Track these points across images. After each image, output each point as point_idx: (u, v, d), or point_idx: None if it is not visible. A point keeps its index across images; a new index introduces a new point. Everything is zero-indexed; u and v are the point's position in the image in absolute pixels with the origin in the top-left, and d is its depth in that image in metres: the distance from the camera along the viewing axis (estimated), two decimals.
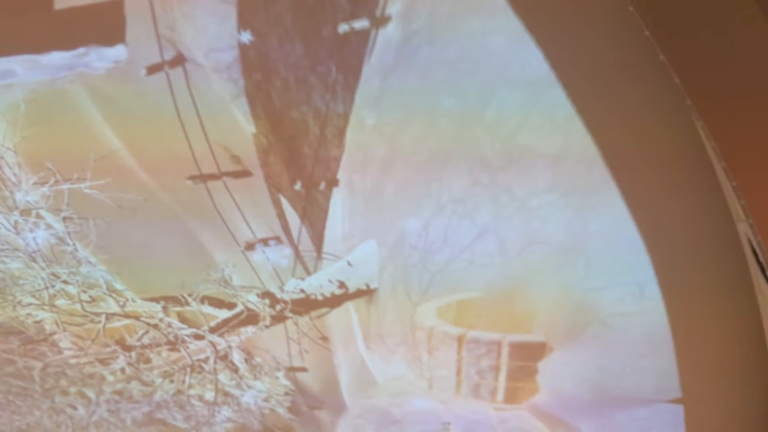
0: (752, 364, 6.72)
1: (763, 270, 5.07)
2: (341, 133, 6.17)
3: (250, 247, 7.14)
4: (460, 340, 7.78)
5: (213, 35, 5.82)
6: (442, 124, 5.84)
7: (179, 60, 5.99)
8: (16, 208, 6.80)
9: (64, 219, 6.87)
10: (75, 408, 8.65)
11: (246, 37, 5.65)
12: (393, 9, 5.50)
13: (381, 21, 5.57)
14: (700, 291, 6.34)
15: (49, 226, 6.90)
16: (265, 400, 8.57)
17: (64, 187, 6.62)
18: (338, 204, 6.71)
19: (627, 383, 7.47)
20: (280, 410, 8.69)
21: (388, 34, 5.58)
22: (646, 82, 4.99)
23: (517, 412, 8.32)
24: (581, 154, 5.76)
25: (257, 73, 5.95)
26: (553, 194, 6.07)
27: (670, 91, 4.59)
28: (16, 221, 6.89)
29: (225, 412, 8.60)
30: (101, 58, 5.97)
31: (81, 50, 6.01)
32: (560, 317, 7.10)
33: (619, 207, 6.02)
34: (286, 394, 8.51)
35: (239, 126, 6.27)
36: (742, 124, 3.75)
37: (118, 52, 5.97)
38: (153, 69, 6.02)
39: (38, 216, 6.86)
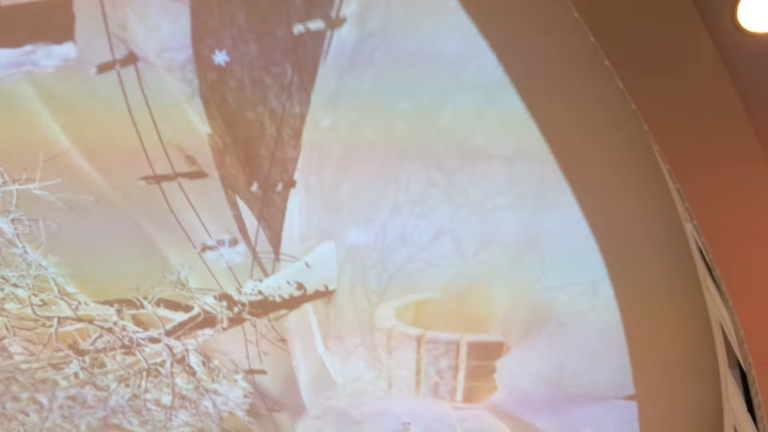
0: (702, 359, 6.89)
1: (709, 269, 5.20)
2: (297, 134, 6.13)
3: (206, 248, 7.05)
4: (419, 340, 7.81)
5: (165, 34, 5.73)
6: (398, 125, 5.86)
7: (131, 59, 5.88)
8: None
9: (13, 221, 6.69)
10: (27, 414, 8.44)
11: (221, 57, 5.58)
12: (348, 10, 5.48)
13: (336, 22, 5.56)
14: (652, 289, 6.47)
15: None
16: (224, 403, 8.49)
17: (13, 188, 6.45)
18: (295, 205, 6.67)
19: (582, 380, 7.60)
20: (239, 413, 8.60)
21: (343, 35, 5.57)
22: (595, 86, 5.08)
23: (476, 411, 8.40)
24: (535, 156, 5.83)
25: (212, 73, 5.88)
26: (508, 195, 6.14)
27: (619, 95, 4.67)
28: None
29: (182, 416, 8.48)
30: (49, 55, 5.82)
31: (28, 48, 5.86)
32: (517, 316, 7.18)
33: (572, 208, 6.11)
34: (245, 396, 8.44)
35: (194, 126, 6.19)
36: (685, 128, 3.84)
37: (66, 50, 5.82)
38: (104, 68, 5.89)
39: None
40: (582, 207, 6.07)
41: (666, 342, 6.78)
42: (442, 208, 6.38)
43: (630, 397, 7.44)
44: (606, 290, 6.58)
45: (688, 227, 5.38)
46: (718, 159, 4.18)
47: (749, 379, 5.86)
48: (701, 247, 4.97)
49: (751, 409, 6.17)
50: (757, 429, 5.86)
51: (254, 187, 6.58)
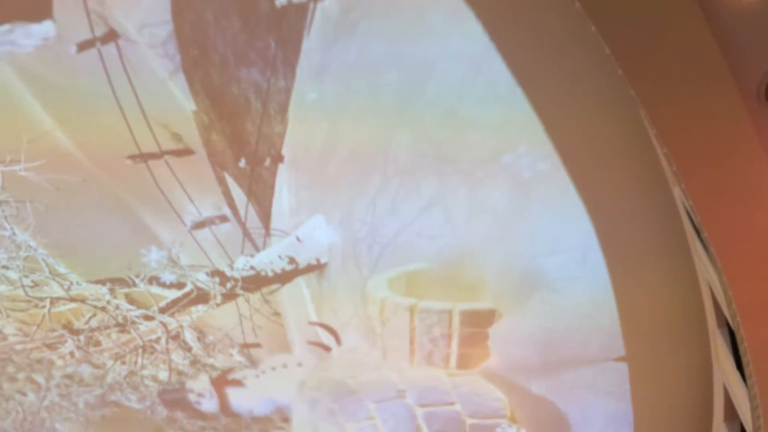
0: (691, 320, 6.99)
1: (697, 232, 5.24)
2: (284, 108, 6.08)
3: (196, 226, 7.04)
4: (411, 310, 7.87)
5: (146, 10, 5.62)
6: (385, 97, 5.81)
7: (111, 36, 5.77)
8: None
9: (0, 203, 6.64)
10: (24, 394, 8.49)
11: None
12: None
13: None
14: (641, 254, 6.53)
15: None
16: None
17: None
18: (284, 180, 6.65)
19: (573, 344, 7.71)
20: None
21: (326, 7, 5.48)
22: (583, 52, 5.05)
23: (470, 377, 8.52)
24: (523, 125, 5.82)
25: (194, 48, 5.79)
26: (497, 164, 6.14)
27: (606, 61, 4.65)
28: None
29: None
30: (28, 35, 5.70)
31: (6, 27, 5.73)
32: (508, 284, 7.25)
33: (561, 175, 6.12)
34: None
35: (178, 103, 6.12)
36: (671, 92, 3.82)
37: (45, 28, 5.71)
38: (84, 46, 5.79)
39: None
40: (570, 174, 6.08)
41: (655, 304, 6.86)
42: (431, 179, 6.37)
43: (621, 359, 7.55)
44: (596, 256, 6.63)
45: (676, 191, 5.41)
46: (705, 122, 4.18)
47: (738, 337, 5.96)
48: (689, 211, 5.00)
49: (740, 366, 6.29)
50: (746, 386, 5.98)
51: (242, 163, 6.54)
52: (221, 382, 8.07)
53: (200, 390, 8.10)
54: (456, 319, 7.66)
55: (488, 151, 6.03)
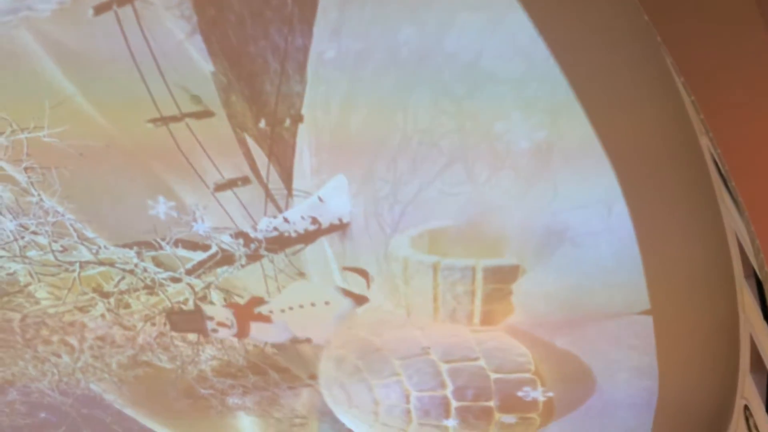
0: (717, 271, 6.93)
1: (725, 181, 5.15)
2: (302, 67, 6.02)
3: (219, 188, 7.08)
4: (434, 268, 7.90)
5: None
6: (403, 53, 5.72)
7: None
8: None
9: (26, 169, 6.73)
10: (59, 356, 8.75)
11: None
12: None
13: None
14: (667, 205, 6.45)
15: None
16: None
17: (22, 136, 6.45)
18: (304, 140, 6.63)
19: (598, 299, 7.70)
20: (264, 345, 8.86)
21: None
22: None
23: (494, 333, 8.58)
24: (545, 77, 5.71)
25: (210, 8, 5.74)
26: (518, 118, 6.05)
27: (632, 7, 4.52)
28: None
29: (209, 350, 8.75)
30: None
31: None
32: (531, 239, 7.22)
33: (584, 128, 6.02)
34: None
35: (196, 65, 6.09)
36: (699, 39, 3.71)
37: None
38: (101, 9, 5.76)
39: None
40: (594, 125, 5.98)
41: (681, 256, 6.80)
42: (452, 135, 6.31)
43: (646, 312, 7.54)
44: (620, 209, 6.56)
45: (703, 140, 5.30)
46: (734, 69, 4.07)
47: (765, 288, 5.91)
48: (716, 160, 4.91)
49: (767, 317, 6.25)
50: None
51: (262, 124, 6.53)
52: (247, 315, 8.07)
53: (222, 319, 8.14)
54: (479, 276, 7.67)
55: (509, 105, 5.94)
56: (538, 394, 8.79)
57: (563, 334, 8.20)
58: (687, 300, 7.33)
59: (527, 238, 7.15)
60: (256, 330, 8.23)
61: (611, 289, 7.45)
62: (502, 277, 7.64)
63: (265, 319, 8.05)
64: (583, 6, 5.21)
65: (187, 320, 8.17)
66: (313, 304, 7.87)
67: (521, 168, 6.41)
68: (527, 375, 8.76)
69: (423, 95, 5.98)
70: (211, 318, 8.09)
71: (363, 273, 7.51)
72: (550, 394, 8.77)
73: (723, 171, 5.00)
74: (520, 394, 8.82)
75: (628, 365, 8.24)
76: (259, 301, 7.96)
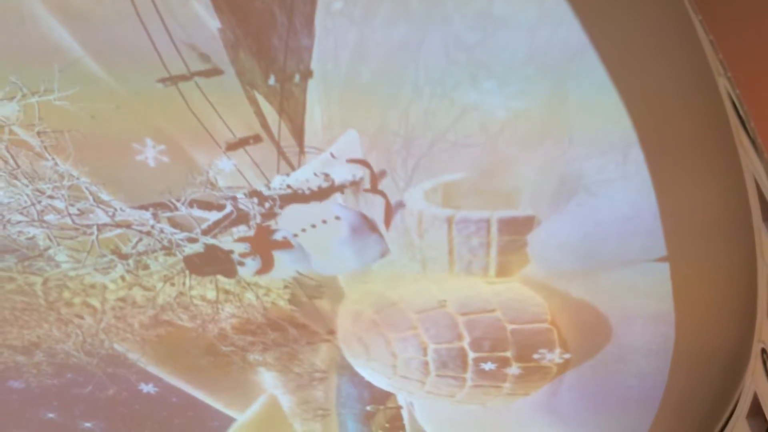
0: (735, 216, 6.87)
1: (743, 123, 5.06)
2: (310, 20, 5.93)
3: (230, 147, 7.06)
4: (449, 221, 7.90)
5: None
6: (413, 3, 5.61)
7: None
8: None
9: (39, 133, 6.74)
10: (82, 317, 8.90)
11: None
12: None
13: None
14: (683, 150, 6.36)
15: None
16: (266, 294, 8.82)
17: (33, 100, 6.44)
18: (315, 95, 6.57)
19: (613, 247, 7.68)
20: (282, 303, 8.96)
21: None
22: None
23: (510, 285, 8.61)
24: (558, 22, 5.58)
25: None
26: (532, 66, 5.94)
27: None
28: None
29: (228, 308, 8.87)
30: None
31: None
32: (546, 189, 7.17)
33: (599, 73, 5.91)
34: (285, 287, 8.74)
35: (203, 22, 6.01)
36: None
37: None
38: None
39: (12, 133, 6.73)
40: (609, 71, 5.87)
41: (698, 202, 6.74)
42: (464, 86, 6.22)
43: (662, 259, 7.52)
44: (636, 156, 6.49)
45: (721, 81, 5.19)
46: (754, 8, 3.95)
47: None
48: (735, 101, 4.82)
49: None
50: None
51: (272, 81, 6.47)
52: (265, 244, 7.94)
53: (242, 250, 8.02)
54: (494, 228, 7.66)
55: (522, 52, 5.83)
56: (555, 356, 8.86)
57: (579, 284, 8.22)
58: (704, 246, 7.29)
59: (541, 188, 7.11)
60: (279, 260, 8.11)
61: (627, 236, 7.42)
62: (517, 229, 7.63)
63: (286, 245, 7.89)
64: None
65: (208, 261, 8.07)
66: (324, 221, 7.65)
67: (535, 117, 6.33)
68: (544, 325, 8.82)
69: (433, 45, 5.87)
70: (231, 251, 7.97)
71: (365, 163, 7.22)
72: (567, 356, 8.83)
73: (741, 112, 4.91)
74: (535, 356, 8.90)
75: (644, 312, 8.26)
76: (267, 230, 7.79)
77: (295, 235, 7.80)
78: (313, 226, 7.68)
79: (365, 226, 7.66)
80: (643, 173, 6.58)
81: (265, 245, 7.85)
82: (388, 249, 7.92)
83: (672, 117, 6.10)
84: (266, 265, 8.08)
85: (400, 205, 7.36)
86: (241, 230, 7.86)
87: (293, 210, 7.55)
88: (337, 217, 7.59)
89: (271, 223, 7.69)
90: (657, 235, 7.26)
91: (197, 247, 7.98)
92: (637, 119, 6.20)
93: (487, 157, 6.81)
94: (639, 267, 7.72)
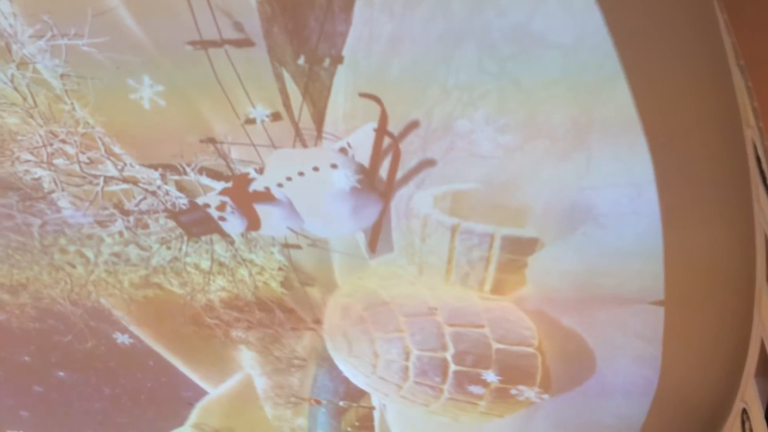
0: (738, 271, 6.83)
1: (764, 177, 5.03)
2: (349, 6, 5.91)
3: (249, 121, 7.04)
4: (453, 229, 7.86)
5: None
6: (454, 4, 5.59)
7: None
8: (13, 60, 6.63)
9: (62, 76, 6.73)
10: (74, 266, 8.88)
11: None
12: None
13: None
14: (699, 196, 6.32)
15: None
16: (259, 273, 8.79)
17: (62, 42, 6.42)
18: (341, 82, 6.55)
19: (612, 282, 7.64)
20: (273, 284, 8.93)
21: None
22: None
23: (503, 303, 8.57)
24: (595, 47, 5.56)
25: None
26: (562, 87, 5.92)
27: None
28: (12, 74, 6.74)
29: (219, 281, 8.84)
30: None
31: None
32: (555, 213, 7.13)
33: (627, 107, 5.88)
34: (280, 269, 8.71)
35: None
36: (763, 19, 3.57)
37: None
38: None
39: (35, 71, 6.71)
40: (638, 107, 5.84)
41: (704, 250, 6.70)
42: (491, 96, 6.19)
43: (658, 303, 7.47)
44: (650, 194, 6.45)
45: (749, 132, 5.16)
46: None
47: None
48: (759, 154, 4.79)
49: None
50: None
51: (301, 61, 6.44)
52: (244, 197, 7.10)
53: (217, 203, 7.29)
54: (497, 244, 7.63)
55: (555, 72, 5.80)
56: (533, 394, 8.81)
57: (571, 313, 8.18)
58: (702, 295, 7.25)
59: (551, 212, 7.07)
60: (265, 216, 7.32)
61: (628, 274, 7.37)
62: (520, 249, 7.59)
63: (267, 197, 7.07)
64: None
65: (196, 221, 7.55)
66: (316, 169, 6.84)
67: (557, 138, 6.30)
68: (530, 350, 8.77)
69: (468, 51, 5.85)
70: (207, 205, 7.26)
71: (376, 99, 6.34)
72: (545, 396, 8.77)
73: (764, 167, 4.88)
74: (513, 392, 8.85)
75: (631, 353, 8.21)
76: (245, 179, 7.07)
77: (279, 185, 7.03)
78: (300, 174, 6.84)
79: (364, 180, 6.85)
80: (655, 213, 6.54)
81: (244, 198, 7.10)
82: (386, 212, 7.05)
83: (693, 160, 6.07)
84: (251, 222, 7.26)
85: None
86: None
87: (279, 155, 6.83)
88: (334, 165, 6.74)
89: (249, 172, 7.05)
90: (657, 277, 7.22)
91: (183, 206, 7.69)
92: (657, 158, 6.16)
93: (502, 172, 6.78)
94: (634, 307, 7.68)
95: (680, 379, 8.24)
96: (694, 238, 6.61)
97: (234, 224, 7.53)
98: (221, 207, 7.18)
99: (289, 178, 6.96)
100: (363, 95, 6.32)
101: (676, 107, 5.66)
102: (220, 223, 7.43)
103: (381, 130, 6.52)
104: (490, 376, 8.75)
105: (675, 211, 6.43)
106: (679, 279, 7.08)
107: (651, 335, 7.88)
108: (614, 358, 8.40)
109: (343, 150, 6.79)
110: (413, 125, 6.43)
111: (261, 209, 7.20)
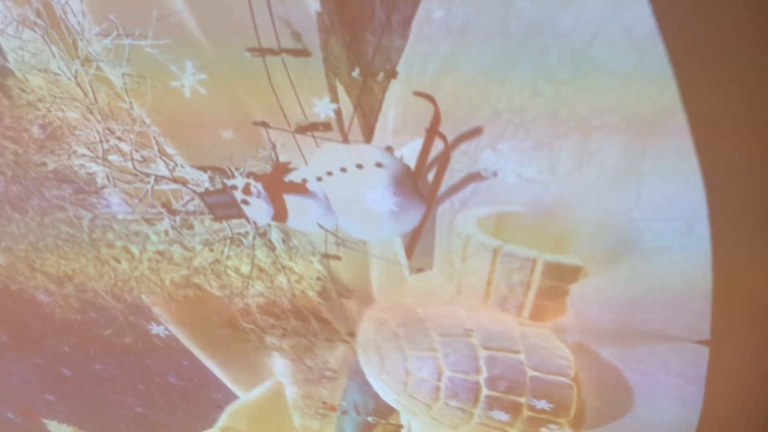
0: None
1: None
2: (407, 22, 5.94)
3: (300, 129, 7.11)
4: (495, 252, 7.76)
5: None
6: (513, 26, 5.56)
7: None
8: (78, 57, 6.86)
9: (123, 75, 6.92)
10: (119, 261, 9.06)
11: None
12: None
13: None
14: (750, 235, 6.13)
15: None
16: (298, 281, 8.83)
17: (125, 42, 6.61)
18: (394, 97, 6.57)
19: (656, 318, 7.42)
20: (311, 293, 8.95)
21: None
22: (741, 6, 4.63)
23: (540, 330, 8.41)
24: (654, 78, 5.46)
25: None
26: (617, 116, 5.82)
27: (764, 18, 4.25)
28: (76, 70, 6.97)
29: (258, 286, 8.91)
30: None
31: None
32: (601, 243, 6.99)
33: (683, 139, 5.76)
34: (318, 279, 8.73)
35: (304, 1, 6.09)
36: None
37: None
38: None
39: (98, 68, 6.92)
40: (694, 139, 5.71)
41: (754, 291, 6.47)
42: (543, 120, 6.13)
43: (703, 342, 7.22)
44: (702, 230, 6.27)
45: None
46: None
47: None
48: None
49: None
50: None
51: (355, 73, 6.49)
52: (277, 186, 6.76)
53: (247, 187, 6.96)
54: (539, 270, 7.50)
55: (611, 100, 5.71)
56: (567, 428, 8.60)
57: (611, 346, 7.97)
58: (749, 338, 6.99)
59: (597, 241, 6.93)
60: (295, 208, 6.92)
61: (672, 310, 7.16)
62: (562, 276, 7.45)
63: (301, 189, 6.71)
64: (708, 8, 4.94)
65: (222, 203, 7.17)
66: (360, 166, 6.55)
67: (607, 168, 6.19)
68: (565, 380, 8.58)
69: (523, 73, 5.81)
70: (234, 187, 6.93)
71: (431, 99, 6.07)
72: None
73: None
74: (543, 430, 8.64)
75: (672, 391, 7.96)
76: (283, 167, 6.75)
77: (319, 179, 6.70)
78: (343, 170, 6.54)
79: (409, 182, 6.55)
80: (705, 249, 6.35)
81: (277, 185, 6.77)
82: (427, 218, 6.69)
83: (745, 199, 5.89)
84: (278, 212, 6.84)
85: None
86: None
87: (323, 149, 6.57)
88: (379, 164, 6.43)
89: (291, 161, 6.77)
90: (704, 316, 7.00)
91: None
92: (711, 193, 6.00)
93: (549, 197, 6.69)
94: (678, 345, 7.44)
95: (721, 423, 7.95)
96: (745, 278, 6.40)
97: (258, 211, 7.14)
98: (246, 189, 6.85)
99: (330, 173, 6.71)
100: (417, 94, 6.10)
101: (733, 144, 5.51)
102: (243, 207, 7.03)
103: (432, 131, 6.29)
104: (536, 402, 8.58)
105: (726, 249, 6.24)
106: (727, 319, 6.85)
107: (693, 375, 7.63)
108: (653, 396, 8.15)
109: (389, 149, 6.65)
110: (470, 134, 6.16)
111: (291, 201, 6.89)
